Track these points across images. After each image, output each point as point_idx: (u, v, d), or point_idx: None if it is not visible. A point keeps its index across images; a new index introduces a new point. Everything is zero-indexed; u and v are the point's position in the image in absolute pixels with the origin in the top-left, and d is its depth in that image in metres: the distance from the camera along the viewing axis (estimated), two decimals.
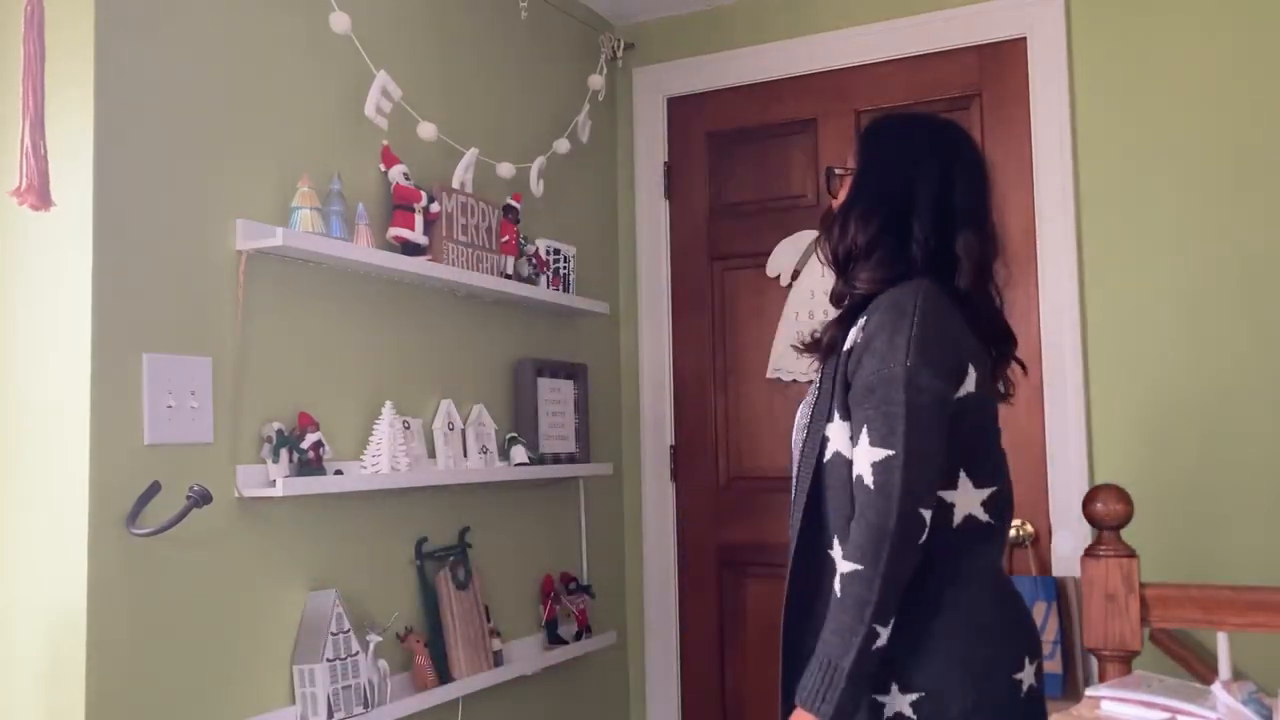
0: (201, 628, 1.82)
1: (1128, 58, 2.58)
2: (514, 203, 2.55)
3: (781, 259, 2.91)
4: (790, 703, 1.48)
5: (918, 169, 1.62)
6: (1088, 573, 1.81)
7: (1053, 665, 2.39)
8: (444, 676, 2.25)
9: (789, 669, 1.54)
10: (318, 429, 2.00)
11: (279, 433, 1.94)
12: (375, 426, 2.13)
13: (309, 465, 1.96)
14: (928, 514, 1.44)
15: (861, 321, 1.53)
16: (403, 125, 2.28)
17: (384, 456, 2.10)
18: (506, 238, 2.51)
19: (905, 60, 2.83)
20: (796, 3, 2.94)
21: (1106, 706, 1.50)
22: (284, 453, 1.93)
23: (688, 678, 3.04)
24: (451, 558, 2.35)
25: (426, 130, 2.32)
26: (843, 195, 1.69)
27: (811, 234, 2.74)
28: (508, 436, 2.53)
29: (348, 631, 2.00)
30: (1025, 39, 2.69)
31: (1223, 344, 2.45)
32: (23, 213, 1.57)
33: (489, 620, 2.42)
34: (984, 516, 1.53)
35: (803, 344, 1.69)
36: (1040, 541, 2.62)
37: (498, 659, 2.40)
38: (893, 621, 1.42)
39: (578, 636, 2.73)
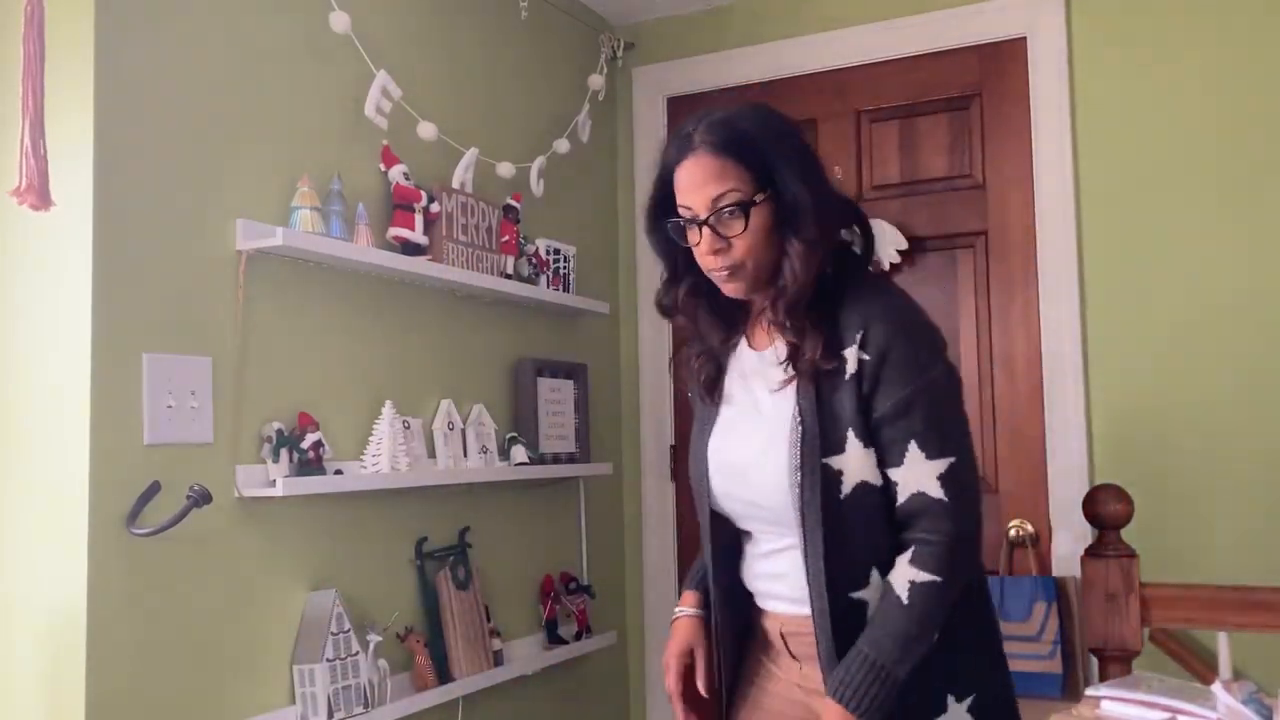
0: (201, 628, 1.82)
1: (1128, 58, 2.58)
2: (514, 203, 2.55)
3: None
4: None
5: (801, 141, 1.53)
6: (1088, 573, 1.81)
7: (1053, 665, 2.39)
8: (444, 676, 2.25)
9: None
10: (318, 429, 2.00)
11: (279, 432, 1.94)
12: (375, 426, 2.13)
13: (309, 465, 1.96)
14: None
15: (857, 338, 1.44)
16: (403, 125, 2.28)
17: (384, 456, 2.10)
18: (506, 238, 2.51)
19: (905, 60, 2.83)
20: (796, 3, 2.95)
21: (1106, 706, 1.49)
22: (284, 453, 1.93)
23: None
24: (451, 558, 2.35)
25: (426, 130, 2.32)
26: (737, 226, 1.51)
27: None
28: (508, 436, 2.53)
29: (348, 631, 2.00)
30: (1025, 39, 2.69)
31: (1223, 344, 2.45)
32: (23, 213, 1.57)
33: (489, 620, 2.42)
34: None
35: (783, 367, 1.50)
36: (1040, 541, 2.62)
37: (498, 659, 2.40)
38: (936, 633, 1.40)
39: (578, 636, 2.73)
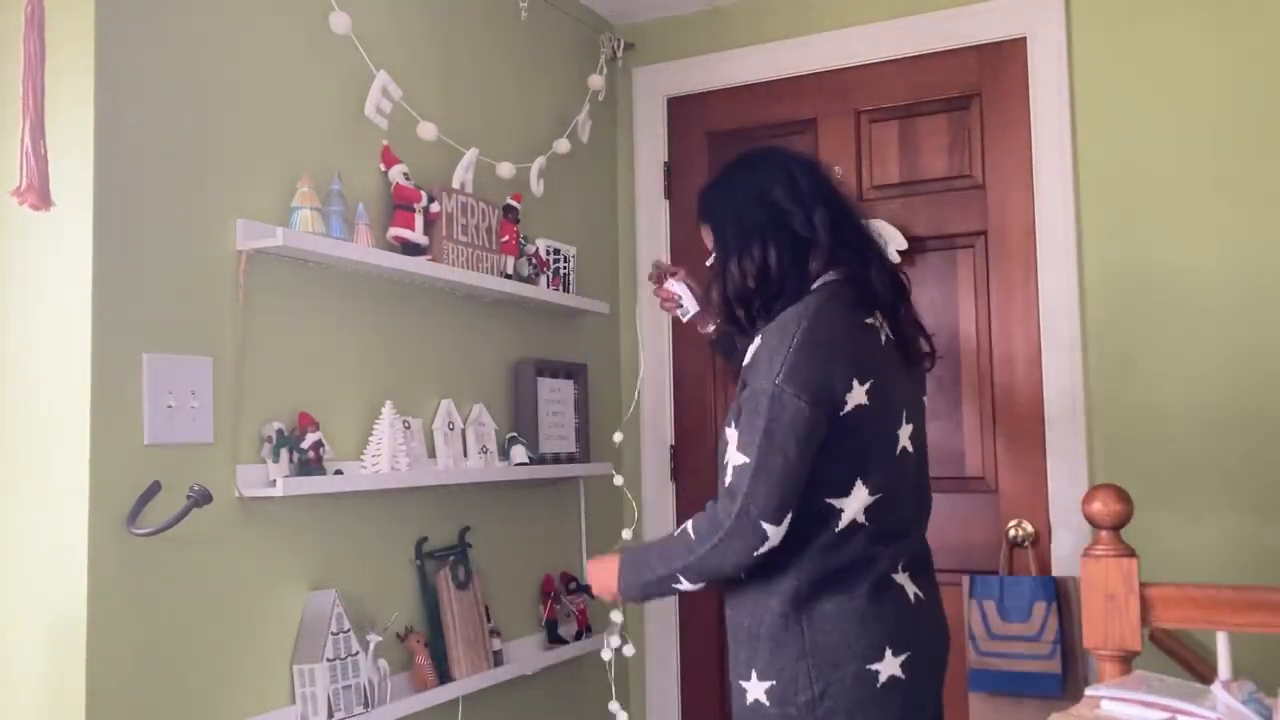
0: (201, 628, 1.82)
1: (1128, 58, 2.58)
2: (514, 203, 2.55)
3: None
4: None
5: (764, 181, 1.71)
6: (1088, 573, 1.81)
7: (1052, 665, 2.39)
8: (444, 676, 2.25)
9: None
10: (318, 429, 2.00)
11: (279, 433, 1.94)
12: (375, 426, 2.13)
13: (309, 465, 1.96)
14: (774, 530, 1.54)
15: (756, 342, 1.62)
16: (403, 125, 2.28)
17: (384, 456, 2.10)
18: (506, 238, 2.51)
19: (905, 60, 2.83)
20: (796, 3, 2.94)
21: (1106, 706, 1.49)
22: (284, 453, 1.93)
23: (688, 678, 3.04)
24: (451, 558, 2.35)
25: (426, 130, 2.32)
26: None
27: None
28: (508, 436, 2.53)
29: (348, 631, 2.00)
30: (1025, 39, 2.69)
31: (1223, 343, 2.45)
32: (23, 213, 1.57)
33: (489, 620, 2.42)
34: (863, 520, 1.60)
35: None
36: (1040, 541, 2.62)
37: (498, 659, 2.40)
38: (704, 585, 1.63)
39: (578, 636, 2.73)
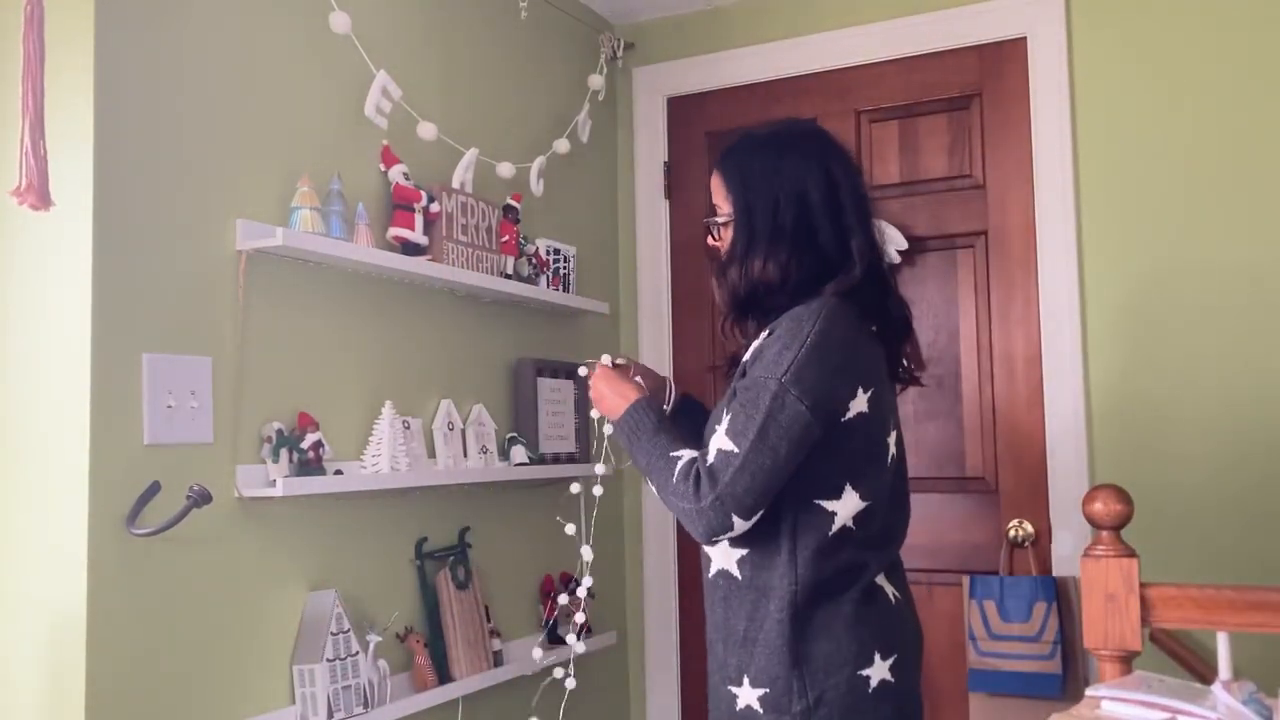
0: (201, 628, 1.82)
1: (1128, 58, 2.58)
2: (514, 203, 2.55)
3: None
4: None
5: (804, 177, 1.63)
6: (1088, 573, 1.81)
7: (1052, 665, 2.40)
8: (444, 676, 2.25)
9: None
10: (318, 429, 2.00)
11: (279, 433, 1.94)
12: (375, 426, 2.13)
13: (309, 465, 1.96)
14: (741, 524, 1.52)
15: (764, 334, 1.58)
16: (403, 125, 2.28)
17: (384, 456, 2.10)
18: (506, 238, 2.51)
19: (905, 60, 2.83)
20: (796, 3, 2.95)
21: (1106, 706, 1.49)
22: (284, 453, 1.93)
23: (687, 678, 3.04)
24: (451, 558, 2.35)
25: (426, 130, 2.32)
26: (728, 236, 1.69)
27: None
28: (508, 436, 2.53)
29: (348, 631, 2.00)
30: (1025, 39, 2.69)
31: (1223, 343, 2.45)
32: (23, 213, 1.57)
33: (489, 620, 2.42)
34: (853, 526, 1.59)
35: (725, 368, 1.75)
36: (1040, 541, 2.62)
37: (498, 659, 2.40)
38: (654, 489, 1.62)
39: (578, 636, 2.72)
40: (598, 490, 1.99)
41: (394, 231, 2.21)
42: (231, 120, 1.92)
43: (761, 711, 1.57)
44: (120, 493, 1.69)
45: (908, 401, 2.69)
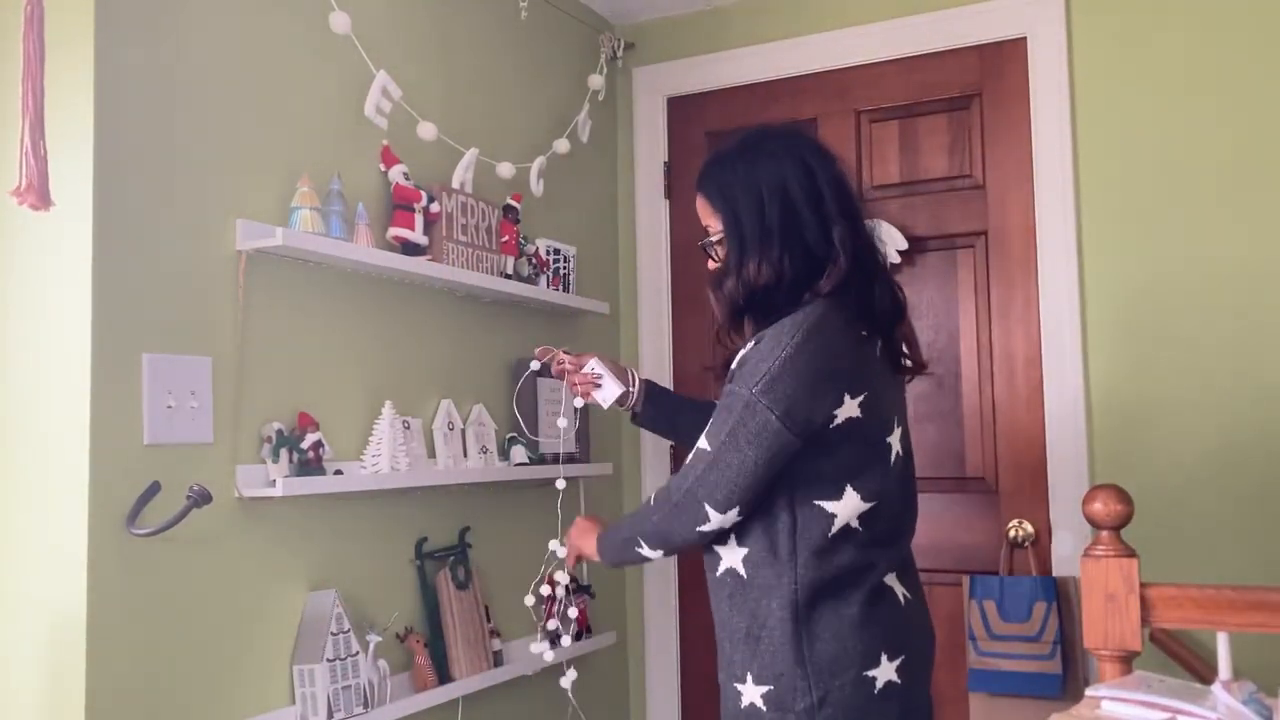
0: (201, 628, 1.82)
1: (1128, 58, 2.58)
2: (514, 203, 2.55)
3: None
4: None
5: (781, 174, 1.64)
6: (1088, 573, 1.81)
7: (1053, 665, 2.40)
8: (444, 676, 2.25)
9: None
10: (318, 429, 2.00)
11: (279, 433, 1.94)
12: (375, 426, 2.13)
13: (309, 465, 1.96)
14: (717, 515, 1.57)
15: (750, 343, 1.60)
16: (403, 125, 2.28)
17: (384, 456, 2.10)
18: (506, 238, 2.51)
19: (905, 60, 2.83)
20: (796, 3, 2.94)
21: (1106, 706, 1.49)
22: (284, 453, 1.93)
23: (688, 678, 3.04)
24: (451, 558, 2.35)
25: (426, 130, 2.32)
26: (722, 251, 1.71)
27: None
28: (508, 436, 2.53)
29: (348, 631, 2.00)
30: (1025, 39, 2.69)
31: (1223, 344, 2.45)
32: (23, 213, 1.57)
33: (489, 620, 2.42)
34: (858, 526, 1.60)
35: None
36: (1040, 541, 2.62)
37: (498, 659, 2.40)
38: (662, 553, 1.69)
39: (578, 636, 2.72)
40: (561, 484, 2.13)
41: (394, 231, 2.21)
42: (231, 120, 1.92)
43: (765, 709, 1.58)
44: (120, 493, 1.69)
45: (907, 401, 2.69)
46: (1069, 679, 2.40)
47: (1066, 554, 2.55)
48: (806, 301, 1.61)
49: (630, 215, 3.15)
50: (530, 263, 2.61)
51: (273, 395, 1.97)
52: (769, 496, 1.59)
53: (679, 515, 1.61)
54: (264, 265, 1.96)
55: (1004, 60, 2.73)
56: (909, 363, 1.74)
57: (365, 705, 2.01)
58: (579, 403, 1.99)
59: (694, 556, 3.05)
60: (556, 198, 2.80)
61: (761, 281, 1.63)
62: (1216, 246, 2.47)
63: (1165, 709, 1.44)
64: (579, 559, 1.92)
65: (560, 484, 2.16)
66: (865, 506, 1.59)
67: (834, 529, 1.58)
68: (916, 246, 2.78)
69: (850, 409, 1.57)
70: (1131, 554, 1.80)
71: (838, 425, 1.57)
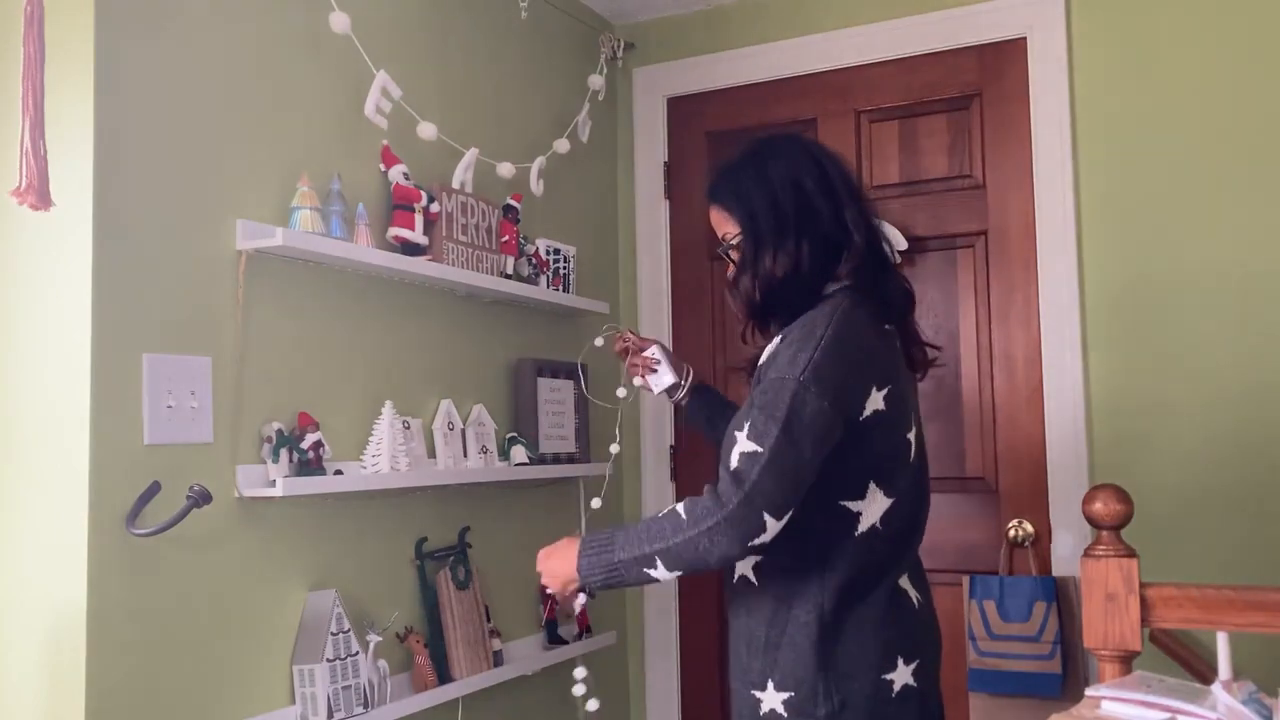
0: (201, 628, 1.82)
1: (1128, 58, 2.58)
2: (514, 203, 2.55)
3: None
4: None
5: (793, 172, 1.66)
6: (1088, 573, 1.81)
7: (1053, 665, 2.40)
8: (444, 676, 2.25)
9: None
10: (318, 429, 2.00)
11: (279, 433, 1.94)
12: (375, 426, 2.13)
13: (309, 465, 1.96)
14: (774, 524, 1.48)
15: (777, 340, 1.58)
16: (403, 125, 2.28)
17: (384, 456, 2.10)
18: (506, 238, 2.51)
19: (905, 60, 2.83)
20: (796, 3, 2.95)
21: (1106, 706, 1.49)
22: (284, 453, 1.93)
23: (687, 678, 3.04)
24: (451, 558, 2.35)
25: (426, 130, 2.32)
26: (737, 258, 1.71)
27: None
28: (508, 436, 2.53)
29: (348, 631, 2.00)
30: (1025, 39, 2.69)
31: (1223, 344, 2.45)
32: (23, 213, 1.57)
33: (489, 620, 2.42)
34: (881, 526, 1.59)
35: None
36: (1040, 541, 2.62)
37: (498, 659, 2.40)
38: (680, 574, 1.52)
39: (578, 636, 2.73)
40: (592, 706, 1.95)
41: (394, 231, 2.21)
42: (231, 120, 1.92)
43: (786, 715, 1.56)
44: (120, 493, 1.69)
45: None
46: (1069, 679, 2.40)
47: (1066, 554, 2.55)
48: (826, 295, 1.61)
49: (630, 215, 3.15)
50: (530, 263, 2.61)
51: (273, 395, 1.97)
52: None
53: (730, 530, 1.46)
54: (264, 265, 1.96)
55: (1004, 60, 2.73)
56: (923, 357, 1.74)
57: (365, 705, 2.01)
58: (637, 382, 2.01)
59: None
60: (556, 198, 2.80)
61: (779, 273, 1.62)
62: (1216, 246, 2.47)
63: (1165, 709, 1.44)
64: (562, 595, 1.66)
65: (621, 392, 2.14)
66: (887, 504, 1.58)
67: (860, 529, 1.57)
68: (916, 246, 2.78)
69: (877, 401, 1.56)
70: (1131, 554, 1.80)
71: (866, 418, 1.55)
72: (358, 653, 2.01)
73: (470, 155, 2.43)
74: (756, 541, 1.48)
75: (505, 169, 2.57)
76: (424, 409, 2.34)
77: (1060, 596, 2.45)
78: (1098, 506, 1.81)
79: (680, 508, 1.52)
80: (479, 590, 2.39)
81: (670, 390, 2.02)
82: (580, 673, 1.95)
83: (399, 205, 2.22)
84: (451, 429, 2.36)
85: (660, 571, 1.52)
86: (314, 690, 1.94)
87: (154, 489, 1.72)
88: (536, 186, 2.66)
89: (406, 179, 2.24)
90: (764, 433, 1.48)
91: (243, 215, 1.92)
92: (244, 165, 1.94)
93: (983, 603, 2.49)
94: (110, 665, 1.67)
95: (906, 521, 1.63)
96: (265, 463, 1.93)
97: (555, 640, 2.66)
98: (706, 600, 3.02)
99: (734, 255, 1.70)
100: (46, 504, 1.70)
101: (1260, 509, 2.40)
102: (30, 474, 1.72)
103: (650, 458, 3.09)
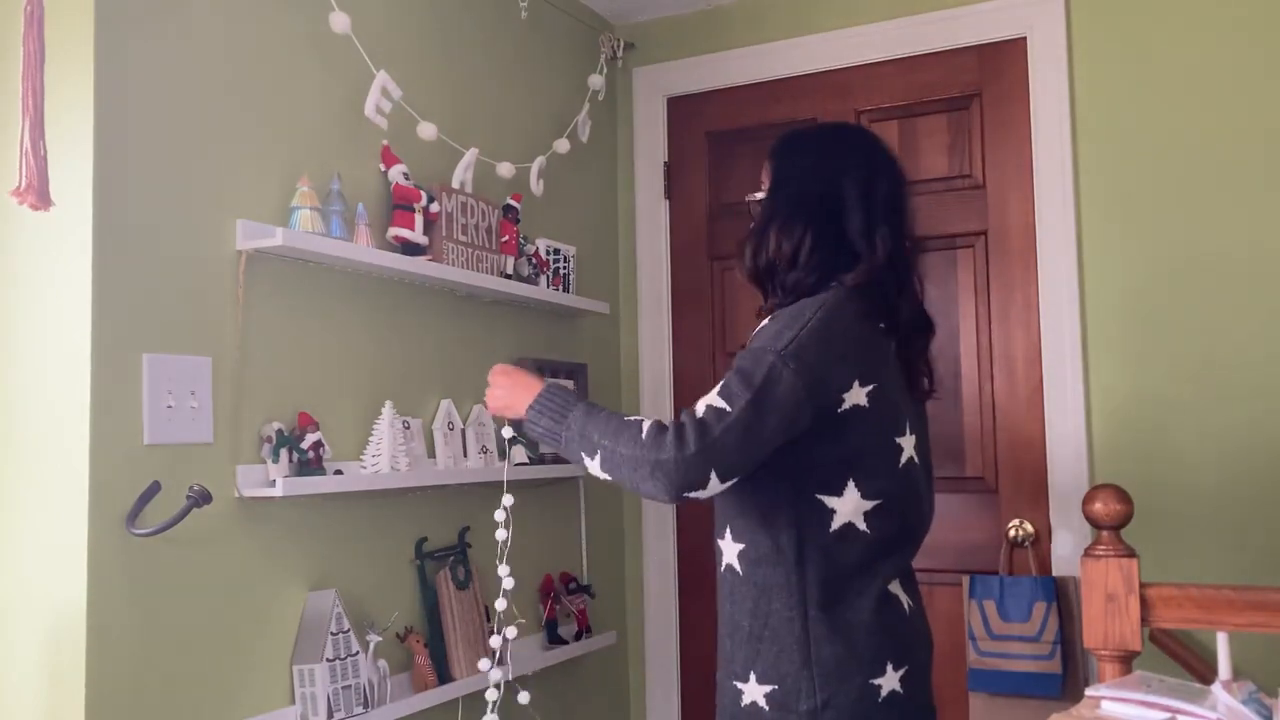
0: (201, 628, 1.82)
1: (1128, 58, 2.58)
2: (514, 203, 2.55)
3: None
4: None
5: (843, 167, 1.67)
6: (1088, 573, 1.81)
7: (1053, 665, 2.40)
8: (444, 676, 2.25)
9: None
10: (318, 429, 2.00)
11: (279, 433, 1.94)
12: (375, 426, 2.13)
13: (309, 465, 1.96)
14: (716, 484, 1.46)
15: (767, 320, 1.59)
16: (403, 125, 2.28)
17: (384, 456, 2.10)
18: (506, 238, 2.51)
19: (905, 60, 2.83)
20: (796, 3, 2.95)
21: (1106, 706, 1.49)
22: (284, 453, 1.93)
23: (687, 678, 3.04)
24: (451, 558, 2.35)
25: (426, 130, 2.32)
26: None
27: None
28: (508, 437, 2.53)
29: (347, 631, 2.00)
30: (1025, 39, 2.69)
31: (1223, 343, 2.45)
32: (23, 213, 1.57)
33: (489, 620, 2.42)
34: (863, 527, 1.58)
35: None
36: (1040, 541, 2.62)
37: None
38: (608, 479, 1.52)
39: (578, 636, 2.73)
40: (504, 506, 1.93)
41: (394, 231, 2.21)
42: (231, 120, 1.92)
43: (767, 709, 1.57)
44: (120, 493, 1.69)
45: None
46: (1069, 679, 2.40)
47: (1066, 554, 2.55)
48: (826, 288, 1.62)
49: (630, 215, 3.15)
50: (530, 263, 2.61)
51: (273, 395, 1.97)
52: (770, 489, 1.58)
53: (674, 472, 1.44)
54: (264, 265, 1.96)
55: (1004, 60, 2.73)
56: (927, 386, 1.73)
57: (365, 705, 2.01)
58: (498, 424, 1.80)
59: (695, 558, 3.06)
60: (556, 198, 2.80)
61: (777, 255, 1.64)
62: (1216, 246, 2.47)
63: (1165, 709, 1.44)
64: (492, 412, 1.69)
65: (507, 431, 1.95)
66: (868, 505, 1.57)
67: (835, 525, 1.56)
68: (916, 246, 2.78)
69: (858, 396, 1.55)
70: (1131, 554, 1.80)
71: (844, 410, 1.55)
72: (358, 653, 2.01)
73: (470, 155, 2.43)
74: (692, 495, 1.47)
75: (505, 169, 2.57)
76: (424, 409, 2.34)
77: (1060, 596, 2.45)
78: (1098, 506, 1.81)
79: (645, 426, 1.49)
80: (479, 590, 2.39)
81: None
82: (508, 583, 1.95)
83: (399, 205, 2.22)
84: (451, 429, 2.36)
85: (593, 465, 1.53)
86: (314, 690, 1.94)
87: (154, 489, 1.72)
88: (536, 186, 2.66)
89: (406, 179, 2.24)
90: (735, 395, 1.48)
91: (243, 215, 1.92)
92: (244, 165, 1.94)
93: (983, 603, 2.49)
94: (110, 665, 1.67)
95: (896, 527, 1.62)
96: (265, 463, 1.93)
97: (555, 640, 2.66)
98: (707, 600, 3.02)
99: (752, 209, 1.74)
100: (46, 504, 1.70)
101: (1260, 509, 2.40)
102: (30, 474, 1.72)
103: None
